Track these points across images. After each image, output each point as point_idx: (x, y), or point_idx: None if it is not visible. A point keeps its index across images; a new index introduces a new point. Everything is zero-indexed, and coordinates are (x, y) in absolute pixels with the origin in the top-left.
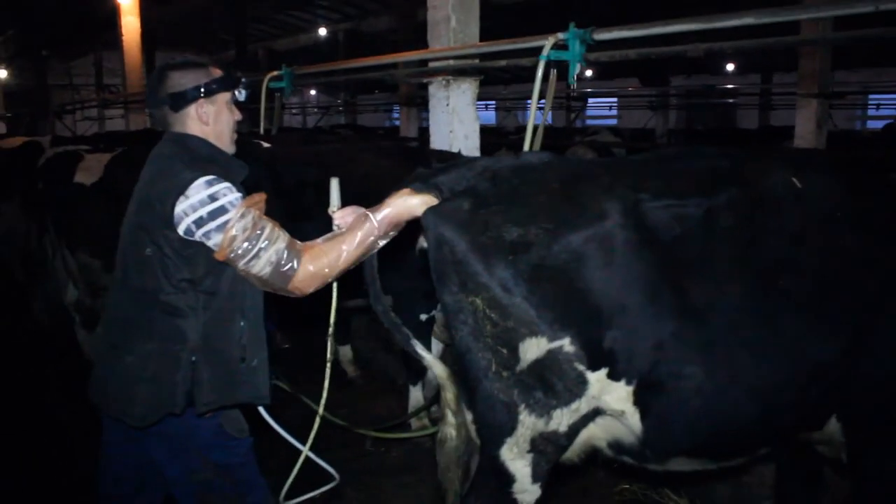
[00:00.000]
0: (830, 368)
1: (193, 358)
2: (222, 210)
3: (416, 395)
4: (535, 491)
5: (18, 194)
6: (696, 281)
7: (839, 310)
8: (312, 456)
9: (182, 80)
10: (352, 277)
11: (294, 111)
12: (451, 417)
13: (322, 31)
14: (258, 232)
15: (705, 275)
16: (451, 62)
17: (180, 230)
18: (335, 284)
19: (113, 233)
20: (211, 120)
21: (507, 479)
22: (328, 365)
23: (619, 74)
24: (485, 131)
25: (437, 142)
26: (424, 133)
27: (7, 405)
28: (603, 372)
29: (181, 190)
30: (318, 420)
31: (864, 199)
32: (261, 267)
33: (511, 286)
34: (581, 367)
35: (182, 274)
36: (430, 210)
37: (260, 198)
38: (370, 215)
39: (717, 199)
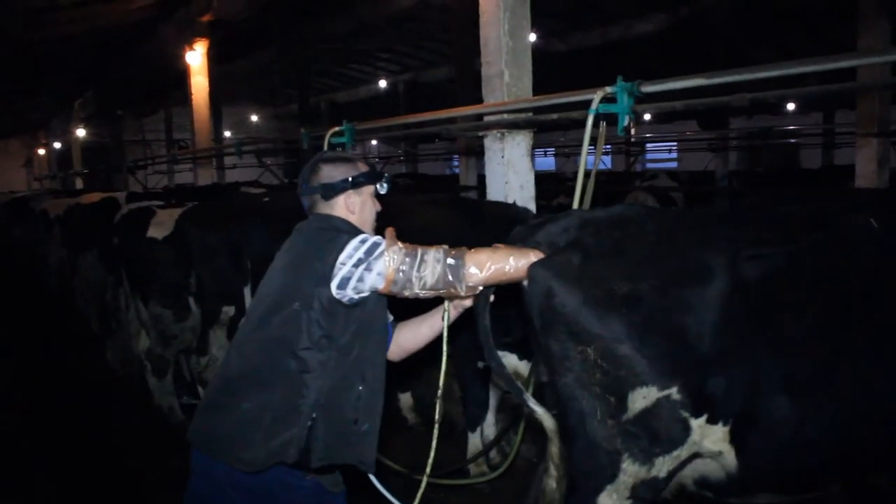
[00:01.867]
0: None
1: (314, 414)
2: (375, 245)
3: (475, 441)
4: None
5: (96, 247)
6: (788, 323)
7: None
8: None
9: (333, 173)
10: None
11: None
12: (553, 470)
13: (382, 84)
14: (414, 251)
15: (796, 318)
16: (505, 116)
17: (334, 283)
18: (445, 346)
19: (183, 284)
20: (357, 209)
21: None
22: (436, 426)
23: (678, 118)
24: (544, 177)
25: (493, 192)
26: (483, 181)
27: (81, 448)
28: (704, 417)
29: (341, 248)
30: (424, 481)
31: None
32: (430, 271)
33: (623, 337)
34: (686, 415)
35: (322, 330)
36: (539, 264)
37: (392, 231)
38: (518, 252)
39: (806, 245)
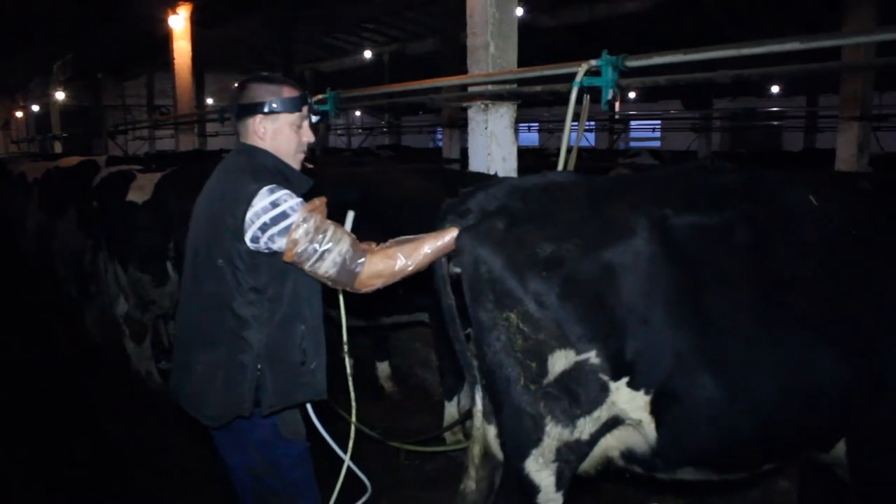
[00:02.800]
0: (841, 391)
1: (259, 366)
2: (283, 215)
3: (450, 410)
4: (558, 499)
5: (74, 211)
6: (714, 295)
7: (851, 332)
8: (352, 465)
9: (252, 94)
10: (385, 295)
11: (339, 132)
12: (472, 472)
13: (367, 54)
14: (321, 235)
15: (723, 289)
16: (490, 87)
17: (247, 238)
18: (342, 304)
19: (162, 249)
20: (268, 136)
21: (533, 490)
22: (350, 379)
23: (663, 97)
24: (528, 153)
25: (476, 164)
26: (466, 154)
27: (59, 414)
28: (624, 381)
29: (248, 200)
30: (352, 429)
31: (879, 219)
32: (327, 267)
33: (544, 300)
34: (605, 378)
35: (249, 283)
36: (466, 231)
37: (320, 202)
38: (433, 236)
39: (734, 215)
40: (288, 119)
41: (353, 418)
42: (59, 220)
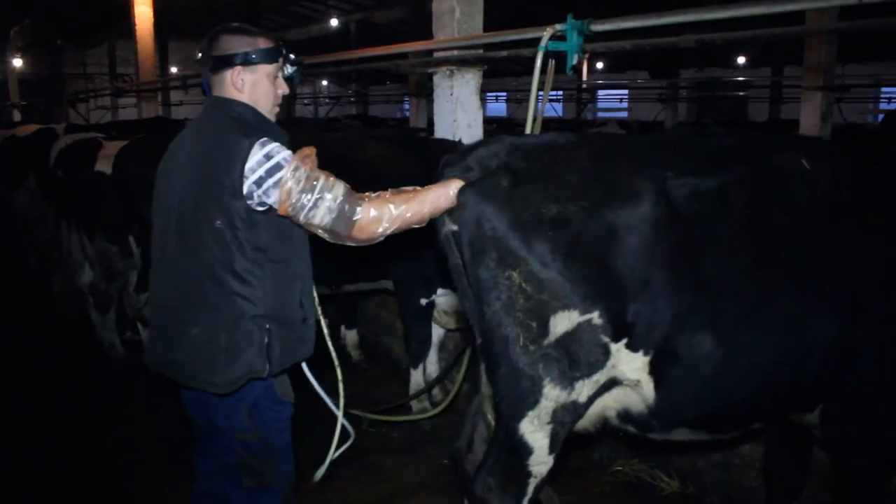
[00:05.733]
0: (825, 352)
1: (267, 325)
2: (278, 167)
3: (417, 378)
4: (549, 462)
5: (33, 180)
6: (713, 257)
7: (840, 294)
8: (345, 422)
9: (226, 45)
10: (347, 261)
11: (306, 101)
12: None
13: (334, 22)
14: (314, 183)
15: (721, 252)
16: (455, 52)
17: (244, 194)
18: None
19: (128, 219)
20: (246, 88)
21: (525, 451)
22: (328, 339)
23: (630, 67)
24: (495, 122)
25: (441, 131)
26: (433, 123)
27: (23, 384)
28: (623, 342)
29: (244, 157)
30: (340, 385)
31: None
32: (321, 216)
33: (548, 260)
34: (606, 339)
35: (251, 243)
36: (468, 188)
37: (310, 151)
38: (435, 187)
39: (732, 179)
40: (266, 70)
41: (340, 375)
42: (15, 190)
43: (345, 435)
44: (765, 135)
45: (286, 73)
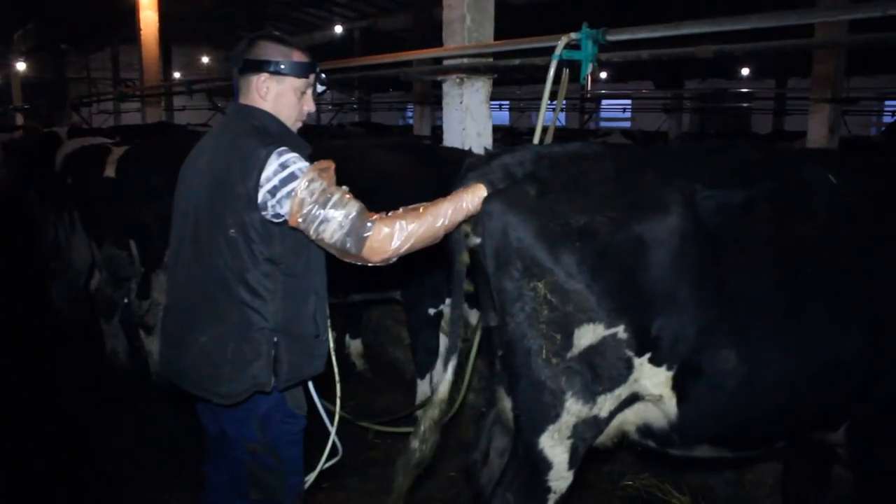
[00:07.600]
0: (852, 369)
1: (276, 339)
2: (292, 177)
3: (423, 389)
4: (569, 478)
5: (36, 184)
6: (739, 272)
7: (868, 310)
8: (336, 440)
9: (260, 51)
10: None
11: None
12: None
13: (338, 29)
14: (327, 196)
15: (748, 265)
16: (465, 61)
17: (259, 205)
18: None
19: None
20: (270, 97)
21: (545, 466)
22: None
23: (634, 77)
24: (499, 131)
25: (450, 139)
26: (437, 131)
27: (23, 390)
28: (646, 357)
29: (260, 167)
30: (338, 403)
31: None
32: (332, 232)
33: (575, 272)
34: (630, 353)
35: (264, 254)
36: (494, 196)
37: (328, 164)
38: (449, 200)
39: (758, 193)
40: (294, 83)
41: (338, 391)
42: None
43: (334, 451)
44: (791, 148)
45: (317, 91)
